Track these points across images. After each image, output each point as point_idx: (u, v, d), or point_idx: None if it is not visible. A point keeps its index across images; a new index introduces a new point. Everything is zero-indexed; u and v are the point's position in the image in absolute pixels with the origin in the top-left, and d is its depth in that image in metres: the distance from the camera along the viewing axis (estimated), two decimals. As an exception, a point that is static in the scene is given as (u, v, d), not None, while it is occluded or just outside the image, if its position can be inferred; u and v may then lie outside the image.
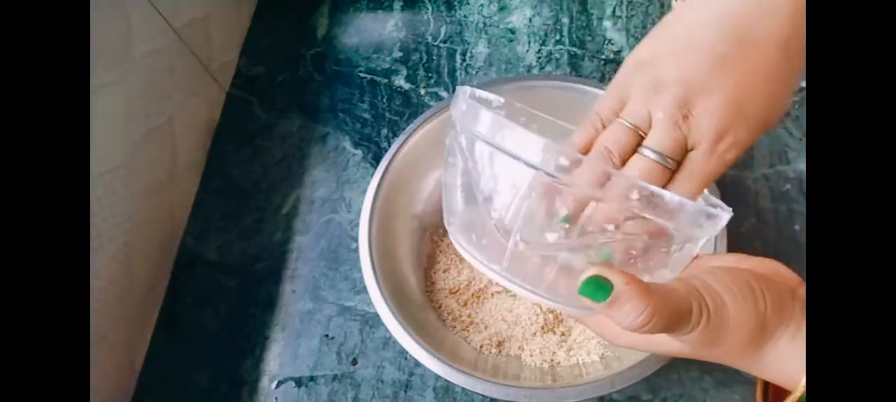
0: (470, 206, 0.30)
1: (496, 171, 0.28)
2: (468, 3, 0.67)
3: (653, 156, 0.28)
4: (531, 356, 0.44)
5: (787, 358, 0.27)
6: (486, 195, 0.29)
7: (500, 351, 0.45)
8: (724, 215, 0.26)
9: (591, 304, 0.25)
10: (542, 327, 0.45)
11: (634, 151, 0.29)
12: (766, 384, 0.32)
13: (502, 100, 0.35)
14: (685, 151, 0.28)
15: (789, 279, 0.29)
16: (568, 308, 0.29)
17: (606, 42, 0.62)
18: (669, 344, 0.28)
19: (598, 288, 0.25)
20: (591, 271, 0.25)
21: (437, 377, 0.46)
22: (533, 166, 0.25)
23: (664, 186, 0.28)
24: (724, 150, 0.28)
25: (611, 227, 0.26)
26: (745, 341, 0.27)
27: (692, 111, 0.27)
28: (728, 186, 0.51)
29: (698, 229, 0.26)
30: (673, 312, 0.25)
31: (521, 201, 0.27)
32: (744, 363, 0.28)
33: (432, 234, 0.51)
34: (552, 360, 0.44)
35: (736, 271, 0.28)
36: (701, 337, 0.26)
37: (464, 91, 0.30)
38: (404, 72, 0.63)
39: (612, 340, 0.32)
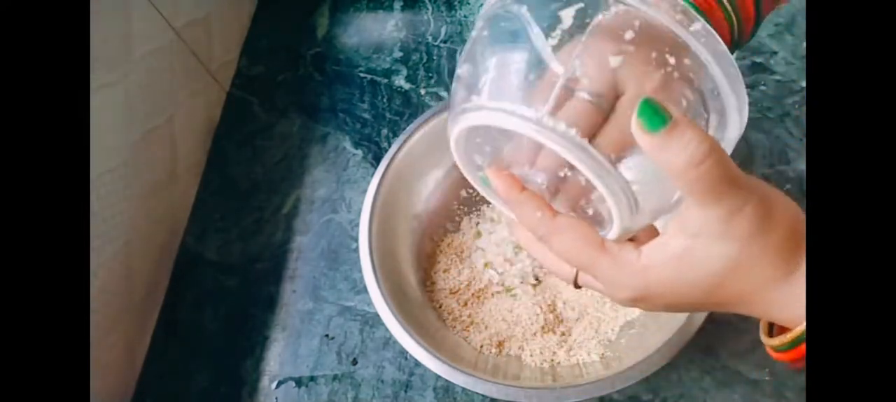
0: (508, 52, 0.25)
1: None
2: (468, 3, 0.67)
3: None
4: (531, 356, 0.44)
5: (798, 300, 0.24)
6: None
7: (500, 351, 0.45)
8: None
9: (645, 135, 0.21)
10: (543, 328, 0.45)
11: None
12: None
13: None
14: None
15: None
16: (601, 170, 0.23)
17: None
18: (709, 258, 0.24)
19: (655, 113, 0.21)
20: (647, 95, 0.21)
21: (438, 377, 0.46)
22: None
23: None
24: None
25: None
26: (785, 248, 0.24)
27: None
28: (728, 187, 0.51)
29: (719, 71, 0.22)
30: (728, 162, 0.22)
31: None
32: (768, 298, 0.25)
33: (432, 234, 0.51)
34: (552, 360, 0.44)
35: None
36: (750, 223, 0.23)
37: None
38: (404, 72, 0.63)
39: (621, 274, 0.26)
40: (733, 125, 0.24)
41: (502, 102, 0.24)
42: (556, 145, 0.23)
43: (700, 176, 0.21)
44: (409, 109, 0.61)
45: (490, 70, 0.25)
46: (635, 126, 0.21)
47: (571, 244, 0.26)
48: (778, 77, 0.57)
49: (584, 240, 0.26)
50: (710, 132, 0.24)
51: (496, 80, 0.25)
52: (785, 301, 0.25)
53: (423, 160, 0.50)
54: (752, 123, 0.54)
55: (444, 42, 0.65)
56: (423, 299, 0.48)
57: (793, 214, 0.24)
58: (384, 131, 0.60)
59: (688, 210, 0.23)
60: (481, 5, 0.66)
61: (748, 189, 0.23)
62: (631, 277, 0.26)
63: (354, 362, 0.49)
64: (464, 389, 0.44)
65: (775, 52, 0.58)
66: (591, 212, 0.27)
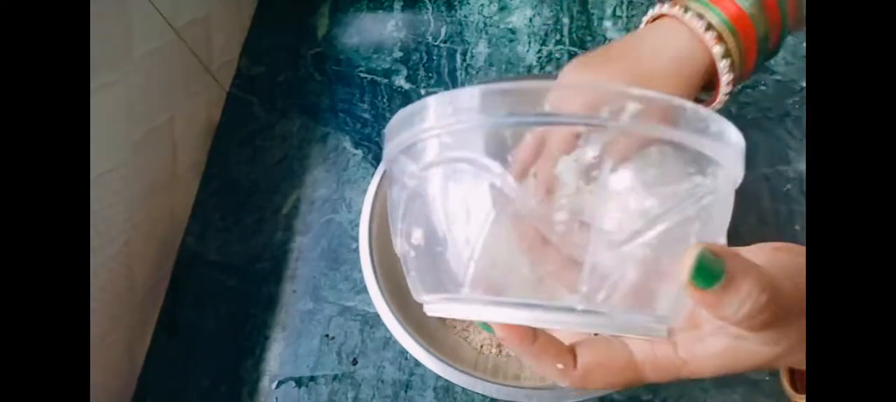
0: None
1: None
2: (468, 3, 0.67)
3: None
4: (531, 356, 0.44)
5: None
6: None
7: (500, 351, 0.45)
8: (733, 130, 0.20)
9: (698, 292, 0.19)
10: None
11: None
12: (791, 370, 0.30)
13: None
14: None
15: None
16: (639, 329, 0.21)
17: (607, 42, 0.62)
18: (755, 355, 0.22)
19: (710, 273, 0.18)
20: (698, 247, 0.19)
21: (438, 377, 0.46)
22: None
23: None
24: None
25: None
26: None
27: None
28: (728, 187, 0.51)
29: (711, 143, 0.19)
30: (782, 309, 0.20)
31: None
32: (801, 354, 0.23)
33: (432, 234, 0.51)
34: (552, 360, 0.44)
35: (795, 255, 0.23)
36: (798, 334, 0.21)
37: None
38: (405, 72, 0.63)
39: (663, 374, 0.24)
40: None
41: (508, 296, 0.20)
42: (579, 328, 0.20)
43: (757, 324, 0.20)
44: (409, 109, 0.61)
45: (475, 254, 0.20)
46: (688, 284, 0.19)
47: (606, 381, 0.24)
48: (778, 77, 0.57)
49: (616, 371, 0.24)
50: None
51: (487, 267, 0.21)
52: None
53: (423, 160, 0.50)
54: (752, 123, 0.54)
55: (444, 42, 0.65)
56: (423, 299, 0.48)
57: None
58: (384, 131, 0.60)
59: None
60: (482, 6, 0.66)
61: (801, 311, 0.21)
62: (674, 374, 0.24)
63: (354, 362, 0.49)
64: (464, 389, 0.44)
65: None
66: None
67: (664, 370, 0.24)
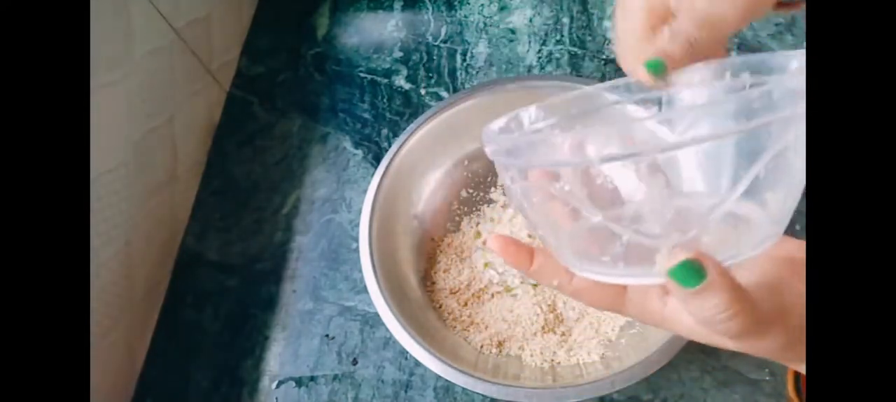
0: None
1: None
2: (468, 3, 0.67)
3: None
4: (531, 356, 0.44)
5: None
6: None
7: (500, 351, 0.45)
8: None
9: (677, 287, 0.21)
10: (543, 328, 0.45)
11: None
12: (797, 373, 0.30)
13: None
14: None
15: None
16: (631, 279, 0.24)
17: (607, 42, 0.62)
18: (725, 344, 0.25)
19: (692, 274, 0.20)
20: (687, 255, 0.20)
21: (438, 377, 0.46)
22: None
23: None
24: None
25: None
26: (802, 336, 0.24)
27: None
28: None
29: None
30: (754, 323, 0.22)
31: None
32: (789, 358, 0.25)
33: (432, 234, 0.51)
34: (552, 360, 0.44)
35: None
36: (768, 348, 0.23)
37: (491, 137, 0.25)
38: (405, 72, 0.63)
39: (646, 319, 0.27)
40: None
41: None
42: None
43: (724, 331, 0.22)
44: (409, 109, 0.61)
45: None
46: (668, 275, 0.21)
47: (593, 299, 0.27)
48: (778, 77, 0.57)
49: (605, 296, 0.27)
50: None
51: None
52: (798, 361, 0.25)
53: (423, 160, 0.50)
54: (753, 123, 0.54)
55: (444, 42, 0.65)
56: (423, 299, 0.48)
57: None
58: (384, 131, 0.60)
59: None
60: (482, 6, 0.66)
61: (773, 326, 0.23)
62: (652, 318, 0.27)
63: (354, 362, 0.49)
64: (464, 389, 0.44)
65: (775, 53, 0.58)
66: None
67: (646, 314, 0.27)
